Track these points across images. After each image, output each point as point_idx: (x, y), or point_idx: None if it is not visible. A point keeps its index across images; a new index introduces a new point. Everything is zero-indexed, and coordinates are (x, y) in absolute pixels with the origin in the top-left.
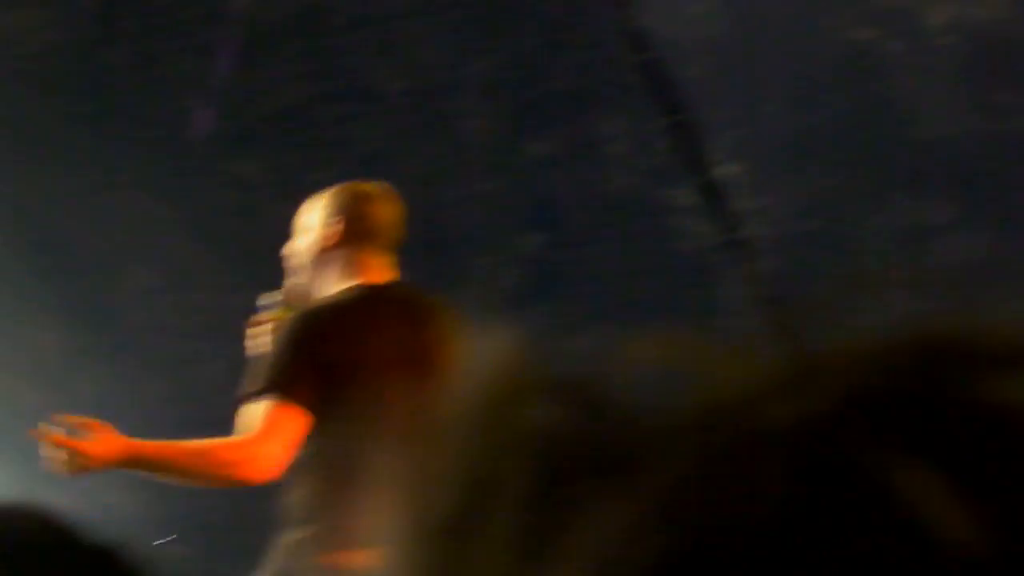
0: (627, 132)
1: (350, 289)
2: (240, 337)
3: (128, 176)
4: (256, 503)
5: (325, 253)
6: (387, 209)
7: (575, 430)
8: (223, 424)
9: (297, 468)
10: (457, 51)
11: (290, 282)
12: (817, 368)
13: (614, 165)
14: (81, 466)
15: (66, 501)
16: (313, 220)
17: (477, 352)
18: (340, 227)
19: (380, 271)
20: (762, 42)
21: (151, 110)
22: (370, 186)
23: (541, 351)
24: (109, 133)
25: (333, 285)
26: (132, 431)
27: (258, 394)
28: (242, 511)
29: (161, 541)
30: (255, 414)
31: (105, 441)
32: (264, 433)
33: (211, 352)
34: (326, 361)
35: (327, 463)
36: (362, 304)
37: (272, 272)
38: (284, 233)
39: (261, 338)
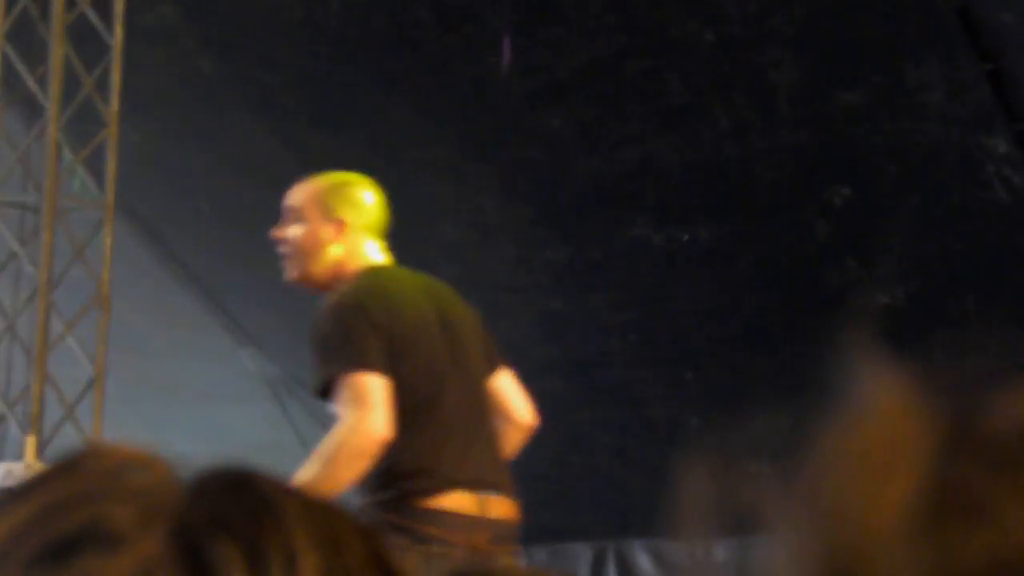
0: (940, 80)
1: (366, 270)
2: (548, 291)
3: (436, 132)
4: None
5: (337, 244)
6: (376, 198)
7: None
8: (529, 378)
9: None
10: (766, 0)
11: (294, 268)
12: None
13: (927, 114)
14: None
15: None
16: (315, 208)
17: (864, 390)
18: (349, 220)
19: (383, 254)
20: None
21: (458, 66)
22: (352, 176)
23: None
24: (417, 91)
25: (350, 274)
26: None
27: (337, 377)
28: None
29: None
30: (346, 396)
31: None
32: (361, 403)
33: (520, 305)
34: (384, 334)
35: (401, 422)
36: (383, 278)
37: (579, 225)
38: (592, 187)
39: None
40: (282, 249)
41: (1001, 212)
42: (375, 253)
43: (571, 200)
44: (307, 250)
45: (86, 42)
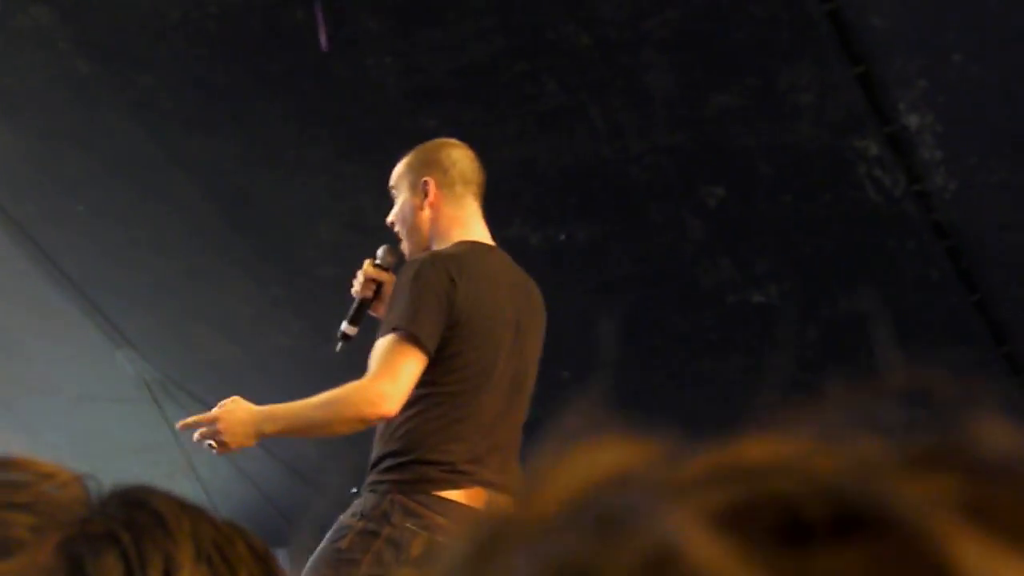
0: (812, 83)
1: (469, 243)
2: None
3: (313, 133)
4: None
5: (427, 209)
6: (470, 157)
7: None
8: None
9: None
10: (641, 4)
11: (406, 245)
12: None
13: (799, 116)
14: (226, 446)
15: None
16: (404, 181)
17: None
18: (434, 181)
19: (482, 225)
20: None
21: (335, 68)
22: (449, 140)
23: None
24: (294, 93)
25: (448, 236)
26: (318, 384)
27: (387, 333)
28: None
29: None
30: (381, 352)
31: (236, 421)
32: (388, 372)
33: None
34: (452, 308)
35: (440, 402)
36: (481, 260)
37: None
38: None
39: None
40: (396, 232)
41: (872, 212)
42: (473, 219)
43: None
44: (406, 222)
45: None
